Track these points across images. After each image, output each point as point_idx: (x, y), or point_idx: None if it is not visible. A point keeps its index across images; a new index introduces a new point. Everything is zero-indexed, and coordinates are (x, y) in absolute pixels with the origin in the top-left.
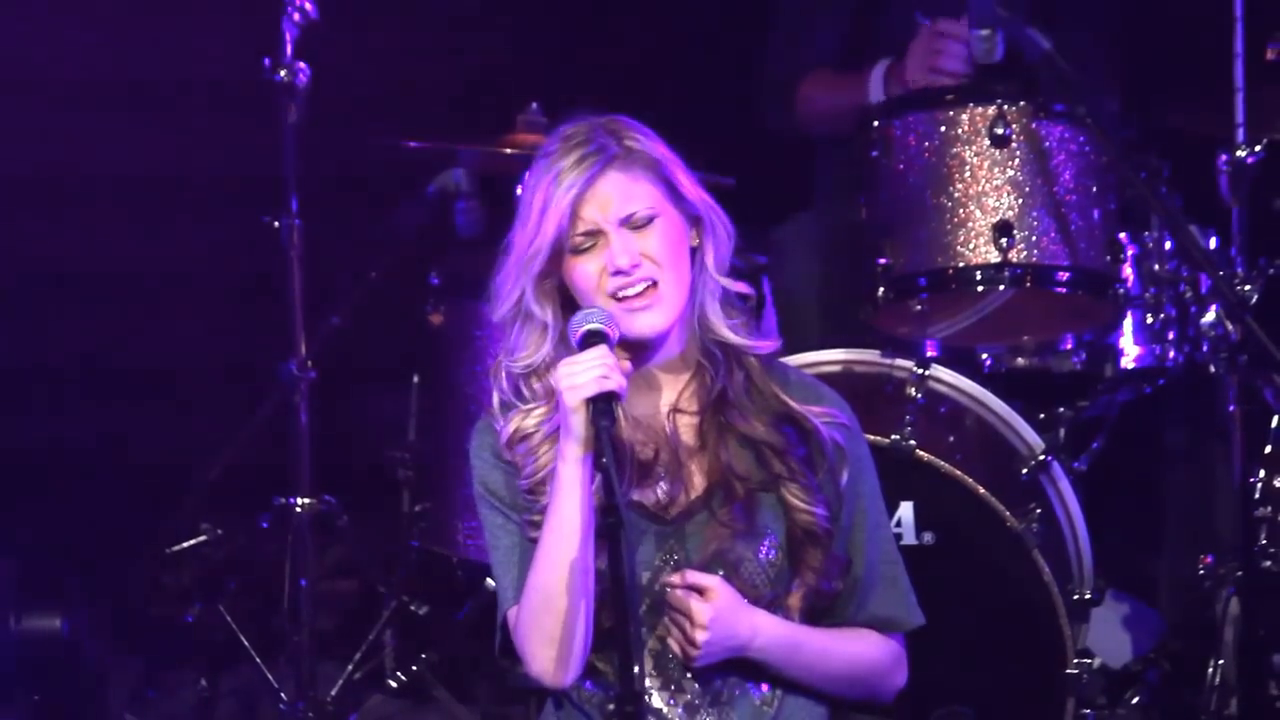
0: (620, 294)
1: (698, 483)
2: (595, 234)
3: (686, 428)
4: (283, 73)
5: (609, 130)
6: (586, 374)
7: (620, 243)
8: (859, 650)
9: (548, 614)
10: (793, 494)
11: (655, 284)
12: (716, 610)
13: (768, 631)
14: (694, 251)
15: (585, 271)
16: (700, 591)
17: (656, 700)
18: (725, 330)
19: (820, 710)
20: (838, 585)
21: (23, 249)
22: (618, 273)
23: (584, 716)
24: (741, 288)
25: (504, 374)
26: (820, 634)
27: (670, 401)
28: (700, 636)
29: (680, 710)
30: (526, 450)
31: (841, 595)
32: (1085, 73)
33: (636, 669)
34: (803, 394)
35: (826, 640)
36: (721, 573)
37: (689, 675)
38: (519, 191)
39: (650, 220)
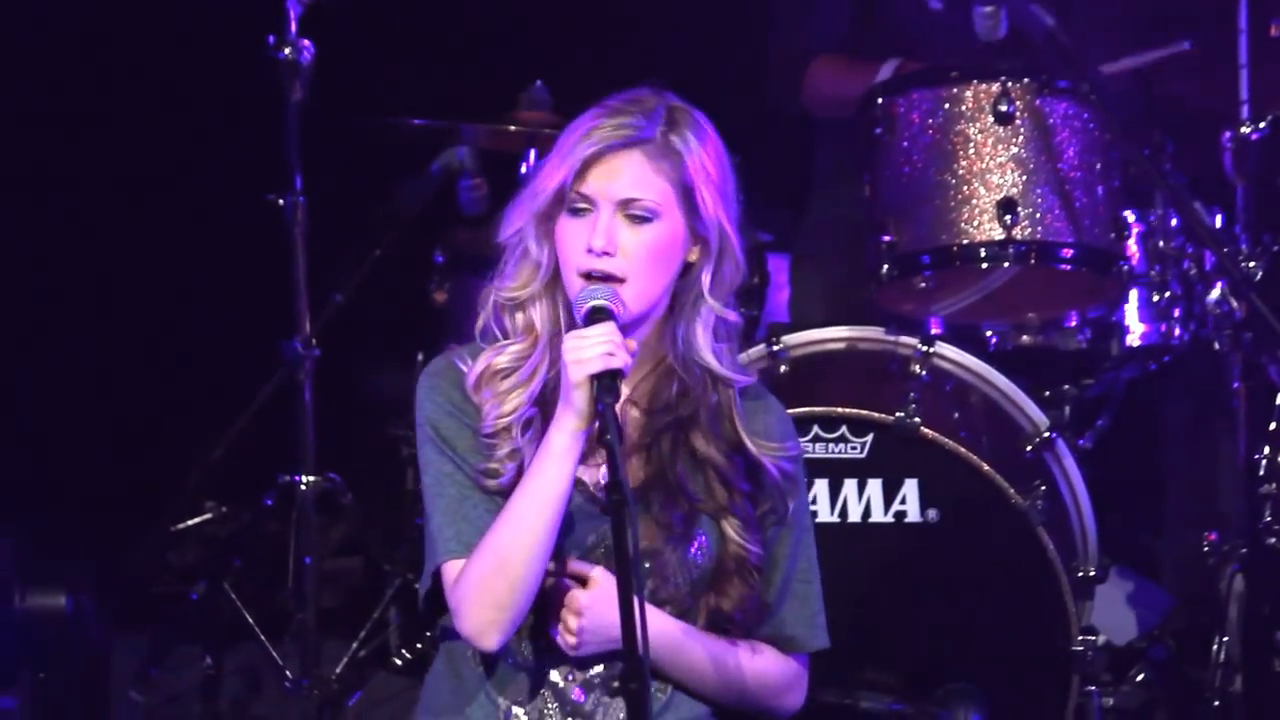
0: (586, 273)
1: (634, 476)
2: (591, 202)
3: (634, 422)
4: (287, 50)
5: (668, 115)
6: (593, 350)
7: (606, 223)
8: (749, 664)
9: (501, 578)
10: (732, 527)
11: (621, 281)
12: (594, 599)
13: (652, 627)
14: (689, 266)
15: (568, 235)
16: (582, 581)
17: (554, 675)
18: (708, 355)
19: (703, 709)
20: (750, 619)
21: (27, 225)
22: (590, 251)
23: (479, 678)
24: (733, 317)
25: (492, 300)
26: (710, 640)
27: (625, 393)
28: (575, 623)
29: (577, 686)
30: (493, 394)
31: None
32: (1089, 49)
33: (640, 647)
34: (755, 420)
35: (715, 648)
36: (648, 564)
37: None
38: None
39: (648, 218)
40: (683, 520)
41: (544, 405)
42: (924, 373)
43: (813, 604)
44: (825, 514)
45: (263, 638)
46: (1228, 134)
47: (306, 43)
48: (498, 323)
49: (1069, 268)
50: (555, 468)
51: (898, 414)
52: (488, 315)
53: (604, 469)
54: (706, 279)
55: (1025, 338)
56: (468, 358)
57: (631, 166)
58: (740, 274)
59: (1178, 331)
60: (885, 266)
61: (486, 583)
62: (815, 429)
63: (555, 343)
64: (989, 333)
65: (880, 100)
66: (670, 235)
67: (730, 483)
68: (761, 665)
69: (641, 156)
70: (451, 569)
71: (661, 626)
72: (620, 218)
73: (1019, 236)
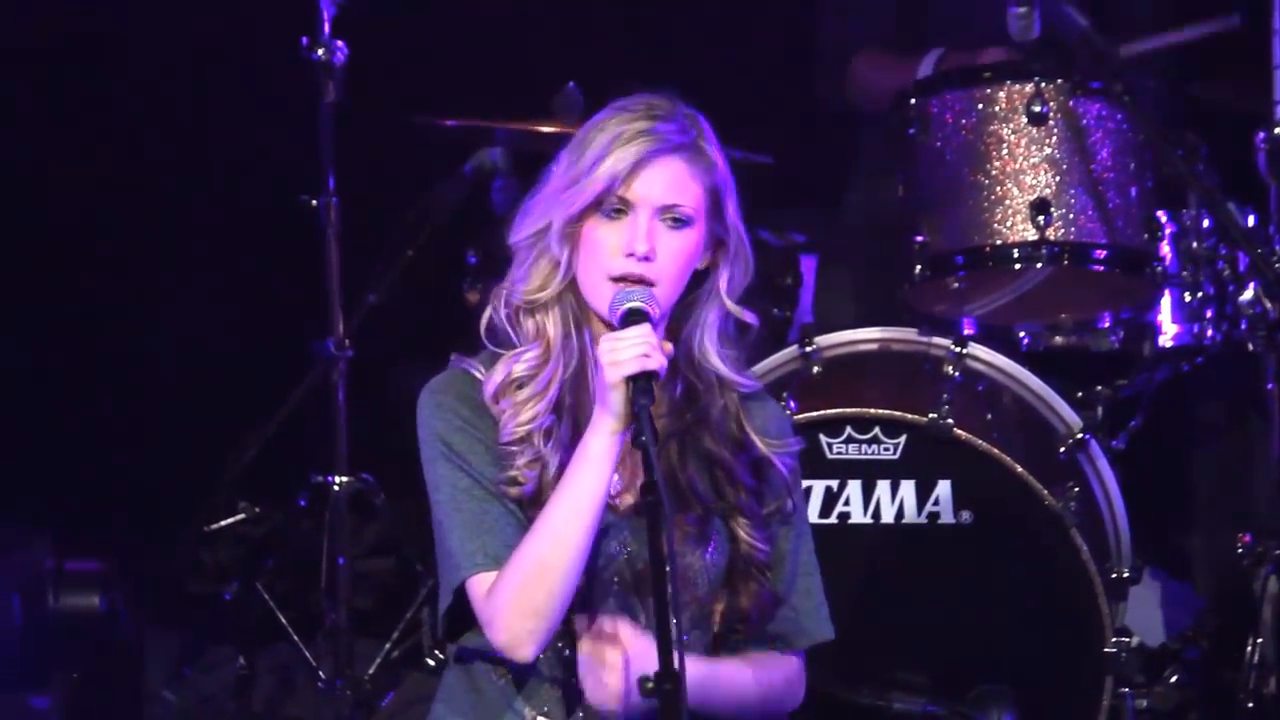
0: (620, 277)
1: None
2: (630, 206)
3: None
4: (321, 51)
5: (692, 121)
6: (629, 351)
7: (646, 228)
8: (765, 675)
9: (540, 586)
10: (742, 526)
11: (653, 284)
12: (628, 654)
13: (687, 672)
14: (699, 275)
15: (603, 237)
16: (612, 639)
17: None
18: (715, 360)
19: None
20: (765, 615)
21: (61, 225)
22: (631, 255)
23: (501, 691)
24: (749, 318)
25: (504, 301)
26: (731, 665)
27: None
28: (614, 681)
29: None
30: (512, 403)
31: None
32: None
33: (675, 648)
34: (756, 418)
35: (737, 670)
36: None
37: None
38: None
39: (684, 224)
40: (696, 522)
41: (560, 411)
42: (957, 374)
43: (817, 595)
44: (858, 515)
45: (296, 638)
46: (1261, 135)
47: (340, 44)
48: (509, 325)
49: (1102, 269)
50: (593, 472)
51: (931, 415)
52: (498, 316)
53: (614, 477)
54: (723, 283)
55: (1058, 339)
56: (479, 366)
57: (674, 172)
58: (749, 276)
59: (1210, 332)
60: (918, 267)
61: (525, 591)
62: (848, 430)
63: (567, 347)
64: (1022, 334)
65: (914, 101)
66: (698, 241)
67: (739, 481)
68: (772, 673)
69: (682, 162)
70: (481, 582)
71: (692, 670)
72: (658, 222)
73: (1052, 237)
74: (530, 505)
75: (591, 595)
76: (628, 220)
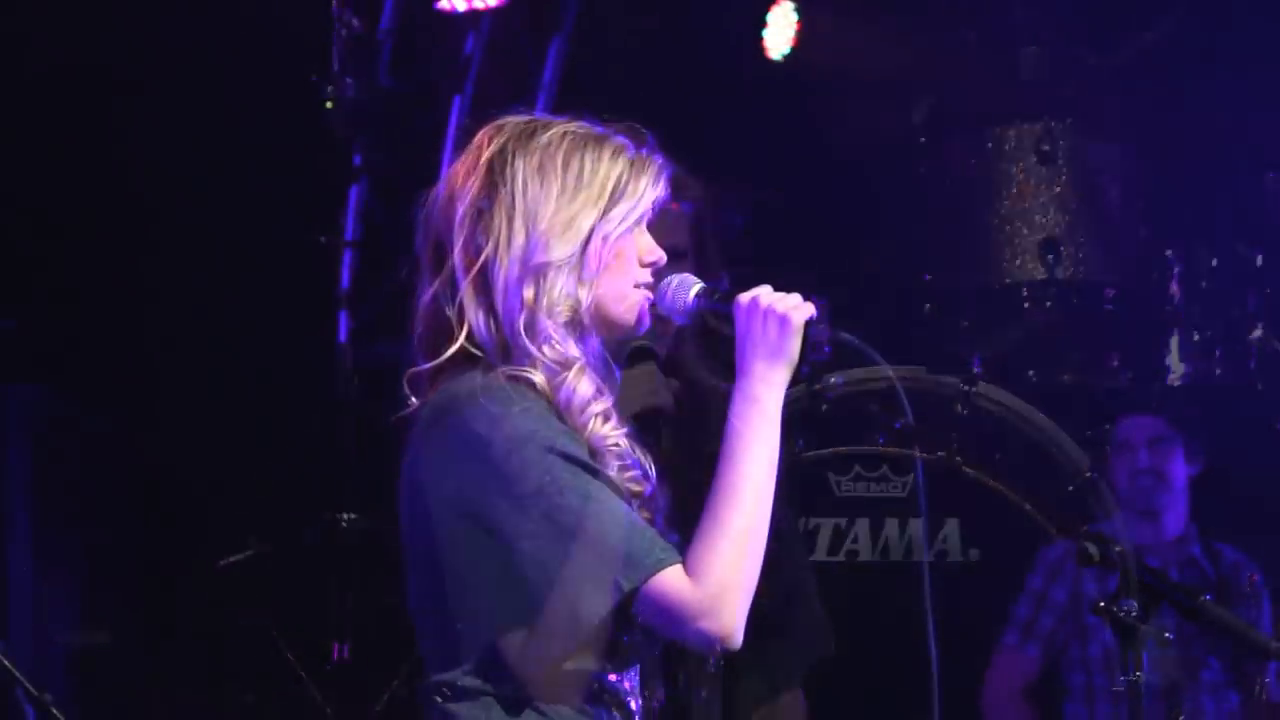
0: (644, 285)
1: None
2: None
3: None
4: (332, 88)
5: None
6: (791, 298)
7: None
8: None
9: (753, 555)
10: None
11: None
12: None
13: None
14: None
15: (629, 251)
16: None
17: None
18: None
19: None
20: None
21: (75, 271)
22: (652, 263)
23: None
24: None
25: (547, 315)
26: None
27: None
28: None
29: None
30: (592, 417)
31: None
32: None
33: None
34: None
35: None
36: None
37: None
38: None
39: None
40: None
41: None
42: (965, 412)
43: None
44: (866, 553)
45: (304, 674)
46: (1271, 175)
47: (350, 80)
48: (563, 339)
49: (1111, 307)
50: (773, 428)
51: (939, 453)
52: (547, 336)
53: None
54: None
55: (1066, 377)
56: (532, 378)
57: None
58: None
59: (1218, 371)
60: (927, 305)
61: (742, 565)
62: (856, 468)
63: (603, 357)
64: (1030, 372)
65: (923, 139)
66: None
67: None
68: None
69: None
70: (676, 575)
71: None
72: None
73: (1061, 276)
74: (642, 508)
75: None
76: (640, 233)
